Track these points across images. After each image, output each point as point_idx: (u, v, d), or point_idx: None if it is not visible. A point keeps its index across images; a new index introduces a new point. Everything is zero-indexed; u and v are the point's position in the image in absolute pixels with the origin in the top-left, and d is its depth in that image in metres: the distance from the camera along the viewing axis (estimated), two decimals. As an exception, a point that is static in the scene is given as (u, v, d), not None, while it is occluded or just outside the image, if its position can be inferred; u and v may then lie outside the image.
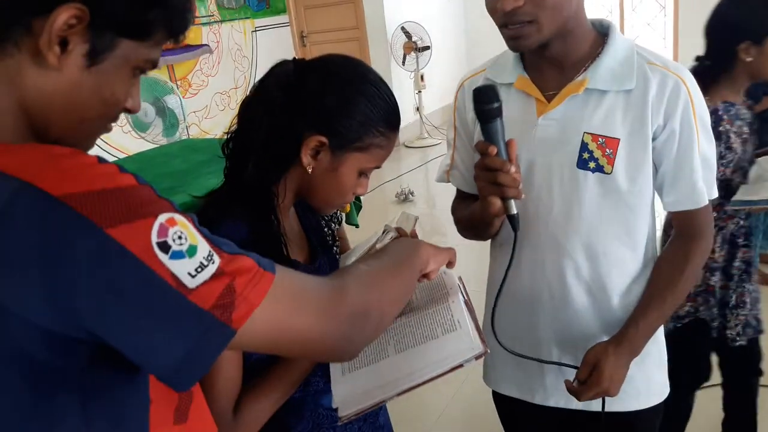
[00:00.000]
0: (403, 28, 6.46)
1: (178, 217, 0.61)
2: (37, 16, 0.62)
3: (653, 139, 1.18)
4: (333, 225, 1.32)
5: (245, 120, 1.02)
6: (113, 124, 0.74)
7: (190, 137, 5.17)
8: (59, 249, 0.56)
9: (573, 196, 1.22)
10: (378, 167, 1.06)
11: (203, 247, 0.62)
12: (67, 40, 0.63)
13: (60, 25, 0.61)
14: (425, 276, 0.95)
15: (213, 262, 0.62)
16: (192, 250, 0.61)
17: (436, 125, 6.96)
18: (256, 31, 6.01)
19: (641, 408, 1.33)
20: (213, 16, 5.48)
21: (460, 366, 0.91)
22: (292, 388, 1.02)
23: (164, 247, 0.59)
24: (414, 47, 6.50)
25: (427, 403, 2.72)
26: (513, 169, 1.09)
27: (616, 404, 1.29)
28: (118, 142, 4.43)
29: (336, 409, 0.94)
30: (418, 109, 6.79)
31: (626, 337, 1.22)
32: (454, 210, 1.42)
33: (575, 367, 1.24)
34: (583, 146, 1.19)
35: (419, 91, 6.72)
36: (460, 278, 1.10)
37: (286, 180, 1.03)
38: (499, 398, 1.48)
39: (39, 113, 0.66)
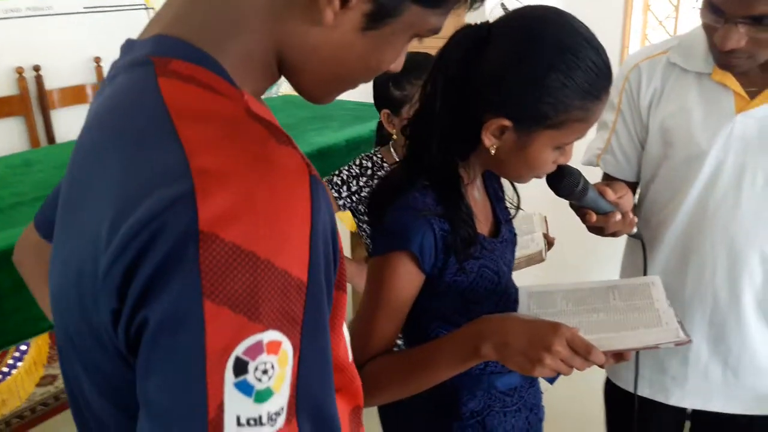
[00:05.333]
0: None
1: (288, 348, 0.47)
2: None
3: None
4: None
5: (426, 99, 0.93)
6: None
7: (280, 94, 5.25)
8: (160, 280, 0.45)
9: (764, 202, 1.17)
10: (580, 138, 0.92)
11: (278, 401, 0.46)
12: None
13: None
14: None
15: (272, 425, 0.46)
16: (264, 395, 0.46)
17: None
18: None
19: None
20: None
21: (656, 347, 0.92)
22: (421, 384, 0.93)
23: (240, 367, 0.45)
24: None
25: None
26: (618, 216, 1.05)
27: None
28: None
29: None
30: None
31: None
32: None
33: None
34: None
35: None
36: None
37: (471, 160, 0.96)
38: (616, 394, 1.45)
39: (292, 61, 0.58)
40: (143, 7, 3.78)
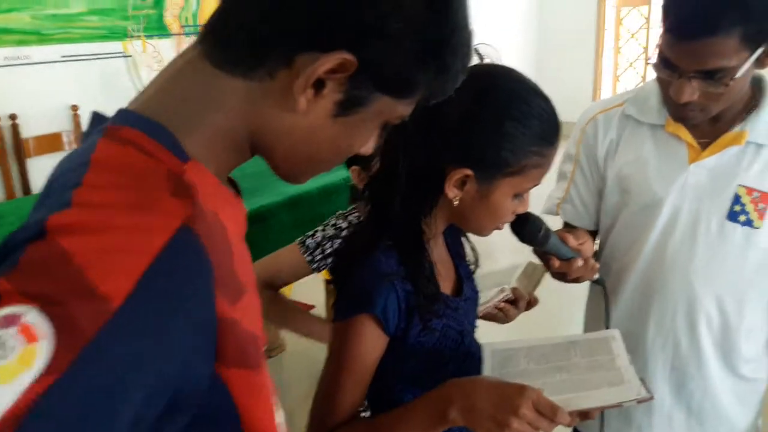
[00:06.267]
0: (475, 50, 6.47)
1: (44, 351, 0.42)
2: (305, 52, 0.55)
3: None
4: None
5: (386, 159, 0.96)
6: None
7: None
8: None
9: (718, 247, 1.20)
10: (537, 185, 0.96)
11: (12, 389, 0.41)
12: (323, 82, 0.57)
13: (324, 70, 0.55)
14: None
15: None
16: None
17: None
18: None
19: None
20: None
21: (620, 405, 0.92)
22: None
23: None
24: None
25: None
26: (580, 261, 1.09)
27: None
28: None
29: None
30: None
31: None
32: None
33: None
34: (736, 199, 1.18)
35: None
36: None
37: (434, 213, 0.96)
38: None
39: (265, 142, 0.61)
40: (121, 55, 3.82)
